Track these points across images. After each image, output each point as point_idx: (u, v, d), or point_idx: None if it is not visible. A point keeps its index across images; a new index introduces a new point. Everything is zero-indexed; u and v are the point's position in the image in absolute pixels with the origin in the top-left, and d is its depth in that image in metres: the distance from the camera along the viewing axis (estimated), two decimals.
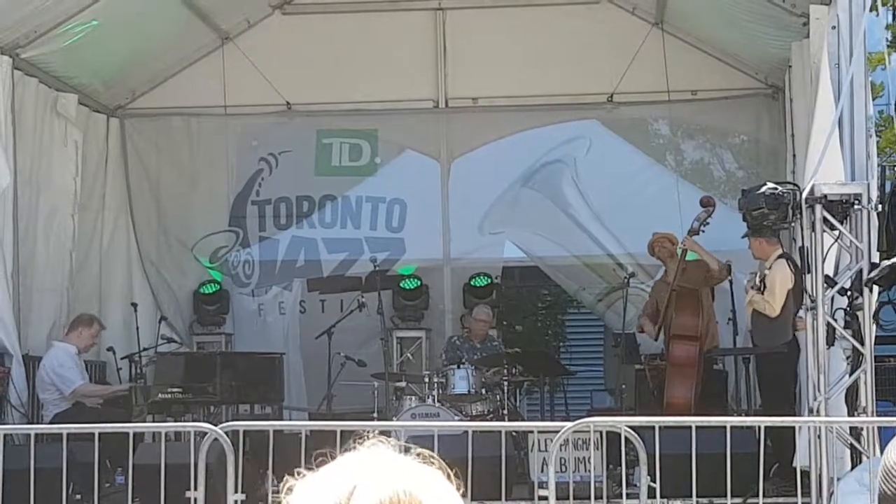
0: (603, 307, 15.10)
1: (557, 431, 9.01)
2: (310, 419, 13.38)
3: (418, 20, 15.22)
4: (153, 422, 12.27)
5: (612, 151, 15.09)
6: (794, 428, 9.78)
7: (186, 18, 14.30)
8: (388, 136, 15.37)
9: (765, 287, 11.11)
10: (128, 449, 9.54)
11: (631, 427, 9.07)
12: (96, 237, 14.66)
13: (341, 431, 8.83)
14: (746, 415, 11.56)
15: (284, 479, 2.08)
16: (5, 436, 10.27)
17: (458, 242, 15.11)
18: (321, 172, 15.36)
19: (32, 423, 11.80)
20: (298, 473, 2.06)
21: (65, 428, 9.43)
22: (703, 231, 12.35)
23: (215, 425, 9.05)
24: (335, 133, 15.40)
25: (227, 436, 8.74)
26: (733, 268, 12.67)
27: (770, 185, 9.85)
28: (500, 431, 9.75)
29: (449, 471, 2.09)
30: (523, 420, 13.21)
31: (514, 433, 10.97)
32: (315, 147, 15.39)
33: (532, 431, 10.52)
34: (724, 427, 9.05)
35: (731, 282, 12.67)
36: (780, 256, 11.24)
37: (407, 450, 2.10)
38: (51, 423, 11.63)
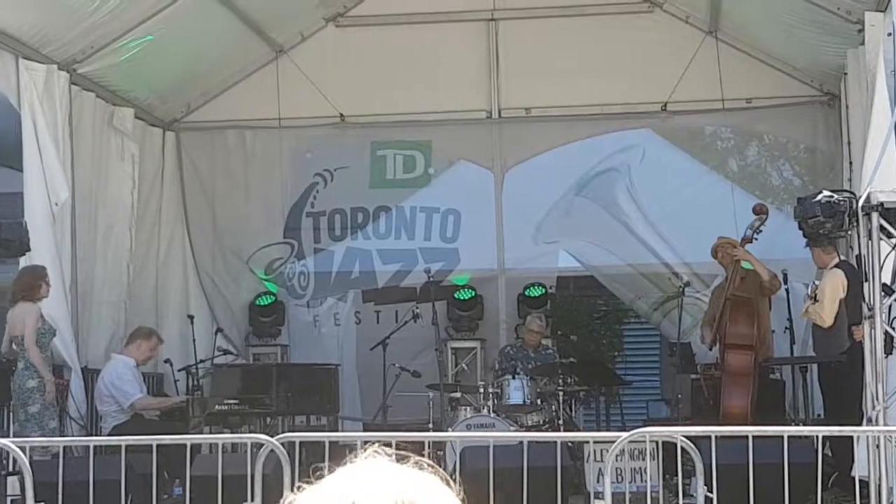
0: (659, 316, 15.04)
1: (613, 441, 8.97)
2: (365, 430, 13.43)
3: (471, 31, 15.26)
4: (210, 433, 12.32)
5: (666, 160, 15.05)
6: (852, 437, 9.70)
7: (241, 32, 14.40)
8: (441, 147, 15.41)
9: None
10: (185, 460, 9.58)
11: (688, 437, 9.02)
12: (153, 250, 14.79)
13: (396, 442, 8.84)
14: (804, 424, 11.48)
15: (284, 494, 2.08)
16: (64, 448, 10.37)
17: (512, 252, 15.10)
18: (375, 185, 15.42)
19: (91, 436, 11.88)
20: (298, 488, 2.07)
21: (122, 440, 9.48)
22: (757, 239, 12.30)
23: (271, 436, 9.08)
24: (389, 145, 15.45)
25: (283, 447, 8.77)
26: (789, 276, 12.59)
27: (826, 193, 9.78)
28: (555, 442, 9.72)
29: (448, 478, 2.10)
30: (579, 430, 13.17)
31: (570, 443, 10.94)
32: (369, 159, 15.44)
33: (587, 442, 10.49)
34: (782, 437, 8.98)
35: (787, 290, 12.59)
36: (835, 265, 11.14)
37: (404, 459, 2.11)
38: (109, 435, 11.69)
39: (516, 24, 15.19)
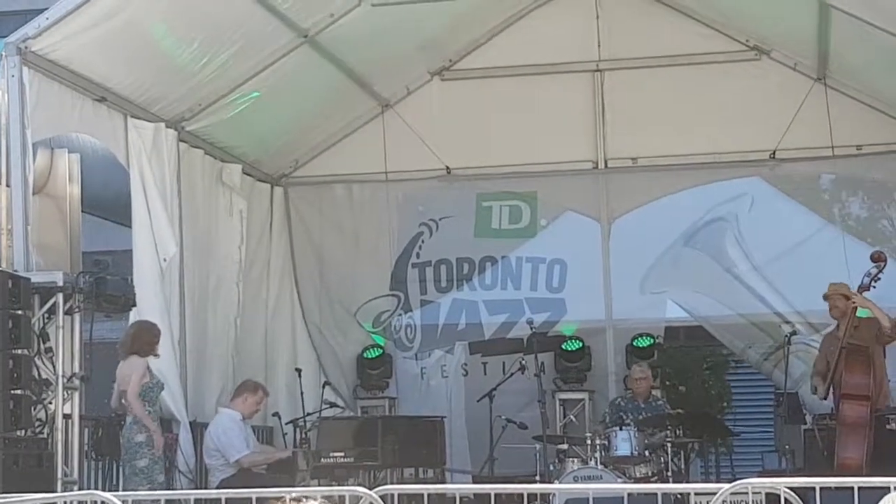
0: (770, 366, 14.80)
1: (715, 493, 8.82)
2: (473, 482, 13.39)
3: (576, 82, 15.24)
4: (318, 486, 12.33)
5: (775, 208, 14.88)
6: None
7: (347, 87, 14.55)
8: (547, 198, 15.38)
9: None
10: None
11: (795, 488, 8.83)
12: (261, 304, 14.93)
13: (496, 494, 8.79)
14: None
15: None
16: (168, 501, 10.45)
17: (619, 303, 15.00)
18: (481, 235, 15.45)
19: (199, 489, 11.94)
20: None
21: (223, 493, 9.51)
22: (874, 287, 12.02)
23: (371, 489, 9.07)
24: (495, 196, 15.47)
25: (383, 500, 8.74)
26: None
27: None
28: (658, 494, 9.58)
29: None
30: (689, 482, 12.97)
31: (677, 496, 10.80)
32: (475, 210, 15.48)
33: (690, 494, 10.33)
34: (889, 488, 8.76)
35: None
36: None
37: None
38: (217, 489, 11.76)
39: (622, 74, 15.14)
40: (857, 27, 12.29)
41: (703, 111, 14.84)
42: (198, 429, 12.72)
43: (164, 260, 12.26)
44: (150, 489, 10.76)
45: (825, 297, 12.67)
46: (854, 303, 12.05)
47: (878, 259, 12.08)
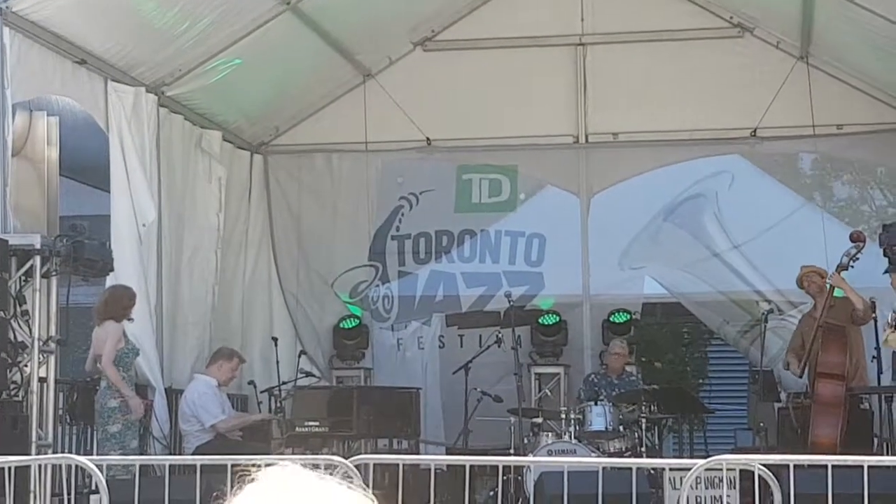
0: (746, 343, 14.83)
1: (690, 469, 8.86)
2: (447, 454, 13.41)
3: (559, 55, 15.21)
4: (292, 454, 12.32)
5: (755, 186, 14.89)
6: None
7: (329, 56, 14.48)
8: (528, 172, 15.36)
9: None
10: None
11: (768, 466, 8.85)
12: (238, 272, 14.88)
13: (471, 466, 8.81)
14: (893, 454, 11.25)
15: None
16: (145, 467, 10.44)
17: (597, 278, 15.02)
18: (461, 209, 15.42)
19: (174, 455, 11.93)
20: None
21: (198, 459, 9.52)
22: (853, 266, 12.02)
23: (346, 458, 9.07)
24: (475, 169, 15.44)
25: (358, 469, 8.74)
26: (878, 305, 12.36)
27: None
28: (633, 469, 9.61)
29: (373, 500, 2.03)
30: (662, 458, 13.01)
31: (651, 471, 10.83)
32: (455, 183, 15.44)
33: (665, 469, 10.36)
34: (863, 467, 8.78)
35: (875, 319, 12.37)
36: None
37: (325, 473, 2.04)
38: (193, 454, 11.74)
39: (605, 48, 15.12)
40: (841, 6, 12.29)
41: (684, 87, 14.83)
42: (173, 395, 12.70)
43: (143, 225, 12.20)
44: (122, 455, 10.73)
45: (798, 280, 12.71)
46: (832, 283, 12.08)
47: (857, 239, 12.06)
